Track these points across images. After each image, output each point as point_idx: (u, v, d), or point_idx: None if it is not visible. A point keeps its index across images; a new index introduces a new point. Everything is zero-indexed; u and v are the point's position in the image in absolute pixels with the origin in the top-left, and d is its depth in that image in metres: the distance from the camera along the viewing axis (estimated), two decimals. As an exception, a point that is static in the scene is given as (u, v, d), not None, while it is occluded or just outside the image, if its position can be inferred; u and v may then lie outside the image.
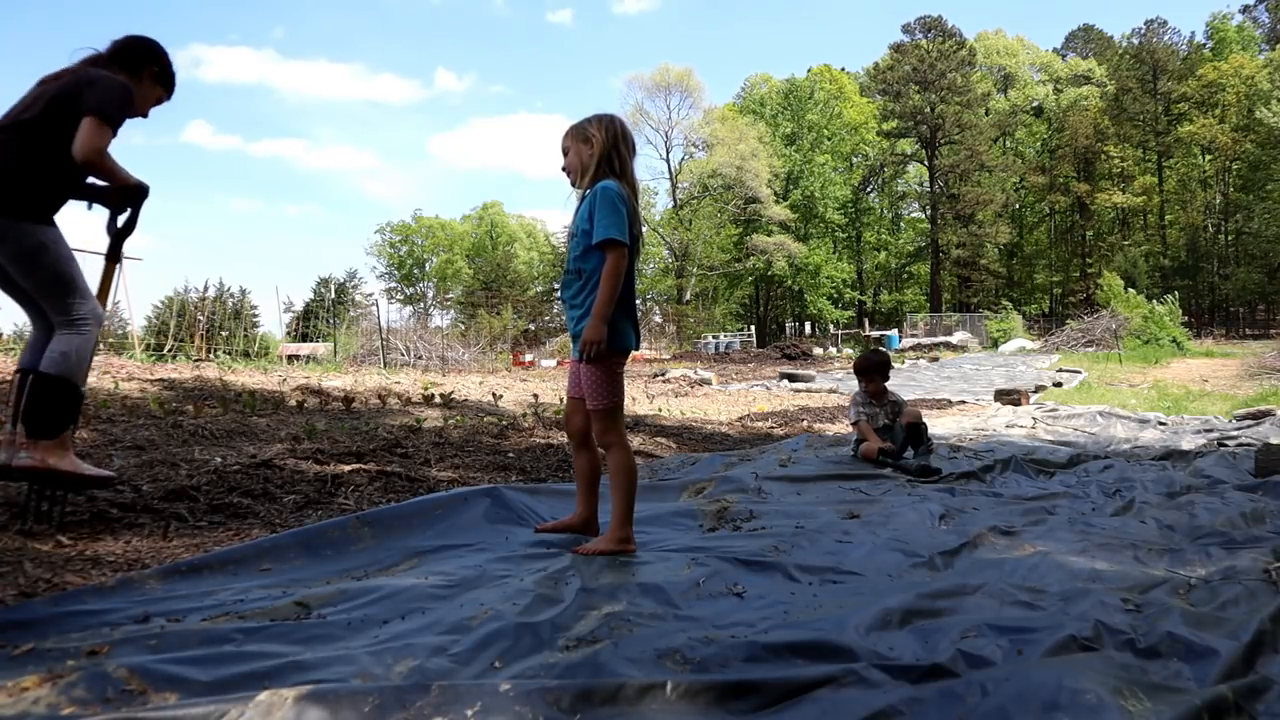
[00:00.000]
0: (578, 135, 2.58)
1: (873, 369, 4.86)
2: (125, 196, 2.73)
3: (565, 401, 2.82)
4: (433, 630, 1.80)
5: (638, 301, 2.74)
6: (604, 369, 2.53)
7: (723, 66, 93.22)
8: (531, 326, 38.66)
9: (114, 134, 2.56)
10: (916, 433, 4.64)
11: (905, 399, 5.03)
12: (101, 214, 2.79)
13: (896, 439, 4.67)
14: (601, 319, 2.45)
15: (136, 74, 2.77)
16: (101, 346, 14.13)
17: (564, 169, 2.65)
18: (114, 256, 2.77)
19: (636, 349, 2.69)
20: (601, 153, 2.53)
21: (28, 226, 2.53)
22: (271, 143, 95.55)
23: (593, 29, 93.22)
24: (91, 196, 2.77)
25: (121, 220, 2.77)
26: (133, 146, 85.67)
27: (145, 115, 2.88)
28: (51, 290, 2.58)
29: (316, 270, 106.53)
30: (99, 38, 2.93)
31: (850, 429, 5.43)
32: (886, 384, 4.91)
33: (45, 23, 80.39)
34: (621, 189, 2.51)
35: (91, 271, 2.72)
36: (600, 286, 2.45)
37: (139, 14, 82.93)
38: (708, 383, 14.88)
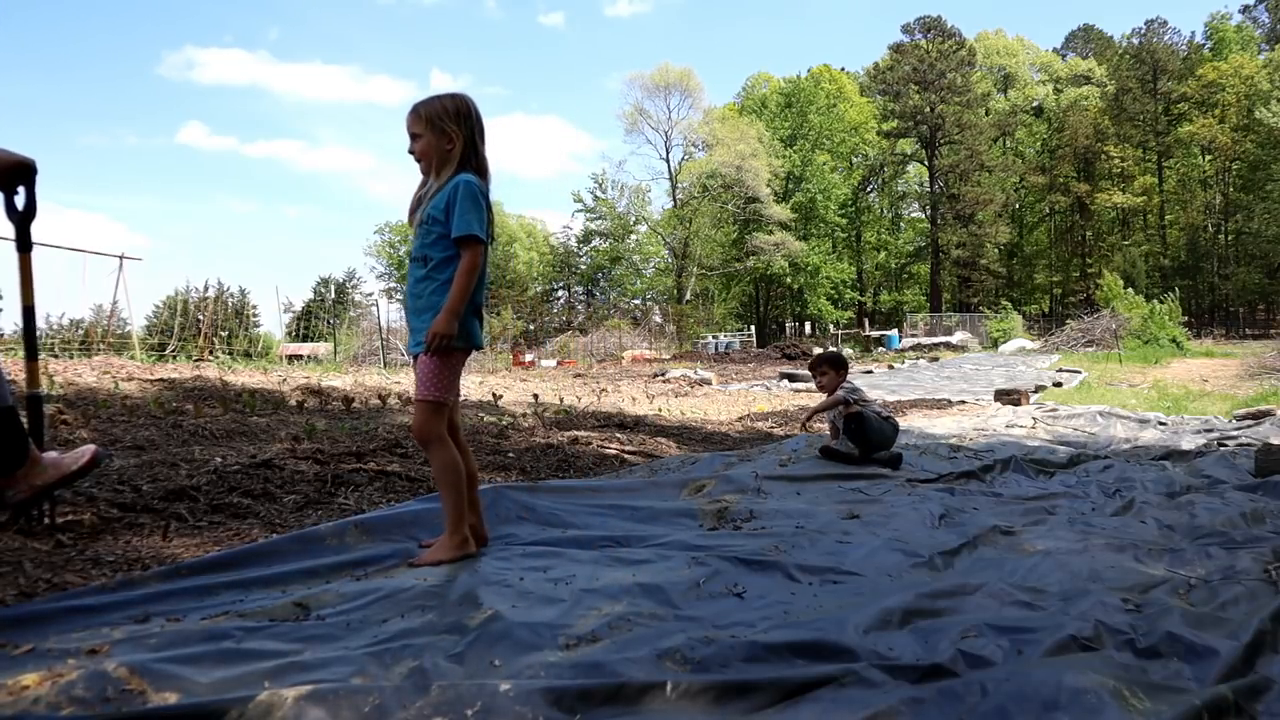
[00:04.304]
0: (432, 126, 2.48)
1: (819, 362, 5.01)
2: (10, 175, 2.49)
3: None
4: (432, 630, 1.80)
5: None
6: (444, 362, 2.45)
7: (720, 67, 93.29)
8: (531, 327, 38.62)
9: None
10: (858, 421, 4.59)
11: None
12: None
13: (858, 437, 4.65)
14: (454, 313, 2.38)
15: None
16: (102, 346, 14.12)
17: (413, 153, 2.56)
18: (24, 245, 2.57)
19: (481, 348, 2.61)
20: (463, 151, 2.49)
21: None
22: (267, 144, 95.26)
23: (585, 31, 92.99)
24: None
25: (20, 203, 2.54)
26: (129, 147, 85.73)
27: None
28: None
29: (316, 270, 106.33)
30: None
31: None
32: (844, 380, 4.88)
33: (43, 22, 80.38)
34: (483, 185, 2.48)
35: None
36: (455, 282, 2.39)
37: (133, 15, 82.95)
38: (708, 383, 14.88)
